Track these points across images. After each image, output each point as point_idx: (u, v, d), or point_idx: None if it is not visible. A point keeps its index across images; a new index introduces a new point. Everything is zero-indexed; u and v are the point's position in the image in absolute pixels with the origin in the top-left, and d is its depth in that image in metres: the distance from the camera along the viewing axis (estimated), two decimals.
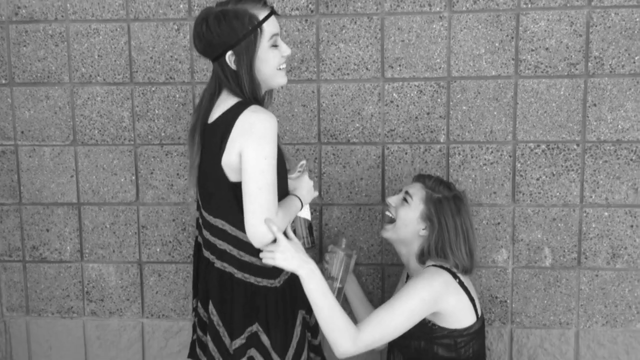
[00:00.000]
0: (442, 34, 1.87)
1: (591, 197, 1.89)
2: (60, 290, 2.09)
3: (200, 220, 1.52)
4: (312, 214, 1.71)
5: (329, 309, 1.46)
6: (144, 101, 1.98)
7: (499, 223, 1.92)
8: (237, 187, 1.41)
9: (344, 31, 1.89)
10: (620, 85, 1.84)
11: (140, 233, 2.04)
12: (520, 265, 1.94)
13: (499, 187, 1.91)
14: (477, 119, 1.89)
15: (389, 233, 1.69)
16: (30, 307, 2.11)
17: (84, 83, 1.99)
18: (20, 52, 1.99)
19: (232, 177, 1.41)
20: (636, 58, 1.83)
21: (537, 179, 1.90)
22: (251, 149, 1.35)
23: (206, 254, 1.49)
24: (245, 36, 1.38)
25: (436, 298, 1.54)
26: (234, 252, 1.44)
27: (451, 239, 1.60)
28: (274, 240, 1.41)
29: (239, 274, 1.45)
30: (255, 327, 1.45)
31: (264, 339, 1.45)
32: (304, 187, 1.56)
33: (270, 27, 1.41)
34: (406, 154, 1.93)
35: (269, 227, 1.36)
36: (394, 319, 1.50)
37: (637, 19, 1.82)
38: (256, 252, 1.43)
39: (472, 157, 1.91)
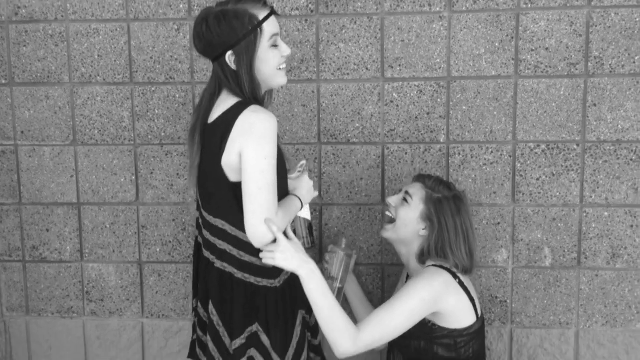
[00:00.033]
0: (442, 34, 1.87)
1: (591, 197, 1.89)
2: (60, 290, 2.09)
3: (200, 220, 1.52)
4: (312, 214, 1.71)
5: (329, 309, 1.46)
6: (144, 101, 1.98)
7: (499, 223, 1.92)
8: (237, 187, 1.41)
9: (344, 31, 1.89)
10: (620, 85, 1.84)
11: (140, 233, 2.04)
12: (520, 265, 1.94)
13: (499, 187, 1.91)
14: (477, 119, 1.89)
15: (389, 233, 1.69)
16: (30, 307, 2.11)
17: (84, 83, 1.99)
18: (20, 52, 1.99)
19: (232, 177, 1.41)
20: (636, 58, 1.83)
21: (537, 179, 1.90)
22: (251, 149, 1.35)
23: (206, 254, 1.49)
24: (245, 36, 1.38)
25: (436, 298, 1.54)
26: (234, 252, 1.44)
27: (451, 239, 1.60)
28: (274, 240, 1.41)
29: (239, 274, 1.45)
30: (255, 327, 1.45)
31: (264, 339, 1.45)
32: (304, 187, 1.56)
33: (270, 27, 1.41)
34: (406, 154, 1.93)
35: (269, 227, 1.36)
36: (394, 318, 1.50)
37: (637, 19, 1.82)
38: (256, 252, 1.43)
39: (472, 157, 1.91)
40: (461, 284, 1.60)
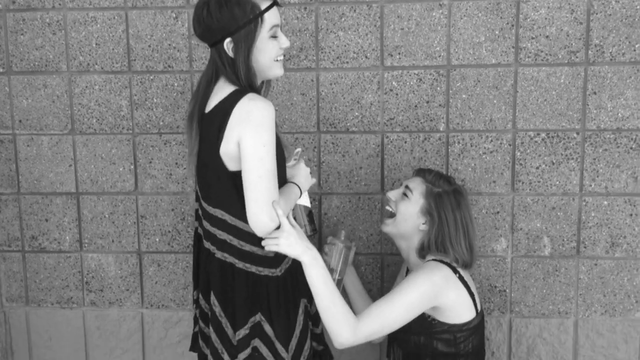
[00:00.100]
0: (442, 22, 1.86)
1: (591, 185, 1.89)
2: (59, 281, 2.09)
3: (200, 211, 1.52)
4: (311, 203, 1.70)
5: (330, 298, 1.46)
6: (142, 90, 1.97)
7: (498, 212, 1.92)
8: (236, 176, 1.40)
9: (343, 19, 1.88)
10: (621, 73, 1.84)
11: (140, 223, 2.04)
12: (519, 255, 1.94)
13: (499, 176, 1.91)
14: (477, 108, 1.89)
15: (389, 227, 1.69)
16: (30, 297, 2.11)
17: (82, 72, 1.98)
18: (18, 41, 1.98)
19: (231, 166, 1.41)
20: (636, 46, 1.83)
21: (537, 168, 1.90)
22: (249, 137, 1.35)
23: (207, 244, 1.49)
24: (245, 24, 1.37)
25: (436, 292, 1.54)
26: (235, 242, 1.44)
27: (451, 233, 1.61)
28: (276, 229, 1.40)
29: (240, 264, 1.44)
30: (258, 316, 1.45)
31: (267, 328, 1.45)
32: (302, 174, 1.55)
33: (271, 17, 1.40)
34: (405, 142, 1.92)
35: (275, 209, 1.36)
36: (394, 311, 1.51)
37: (638, 7, 1.81)
38: (257, 241, 1.43)
39: (471, 146, 1.90)
40: (461, 278, 1.60)
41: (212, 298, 1.47)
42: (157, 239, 2.04)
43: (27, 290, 2.11)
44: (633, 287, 1.92)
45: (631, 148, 1.87)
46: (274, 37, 1.42)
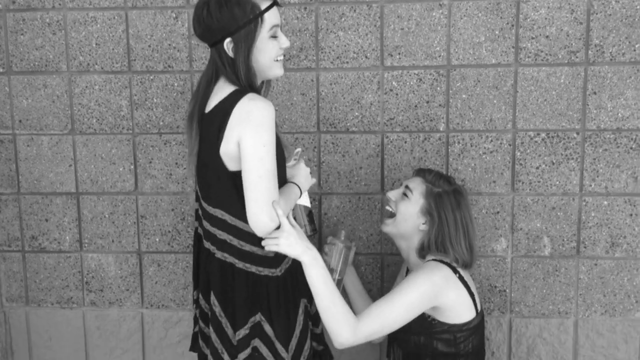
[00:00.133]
0: (442, 22, 1.86)
1: (591, 185, 1.89)
2: (59, 281, 2.09)
3: (200, 211, 1.52)
4: (311, 202, 1.70)
5: (330, 298, 1.46)
6: (142, 90, 1.97)
7: (498, 212, 1.92)
8: (236, 176, 1.40)
9: (343, 19, 1.88)
10: (621, 73, 1.84)
11: (140, 223, 2.04)
12: (519, 255, 1.94)
13: (499, 176, 1.91)
14: (477, 108, 1.89)
15: (389, 227, 1.69)
16: (30, 297, 2.11)
17: (82, 72, 1.98)
18: (18, 41, 1.98)
19: (231, 166, 1.41)
20: (636, 46, 1.83)
21: (537, 168, 1.90)
22: (249, 137, 1.35)
23: (207, 244, 1.49)
24: (245, 24, 1.37)
25: (436, 292, 1.54)
26: (234, 242, 1.44)
27: (451, 233, 1.61)
28: (276, 229, 1.40)
29: (240, 264, 1.44)
30: (258, 316, 1.45)
31: (267, 328, 1.45)
32: (301, 174, 1.55)
33: (271, 17, 1.40)
34: (405, 142, 1.92)
35: (275, 209, 1.36)
36: (394, 311, 1.51)
37: (638, 7, 1.81)
38: (257, 241, 1.43)
39: (471, 146, 1.90)
40: (461, 278, 1.60)
41: (212, 298, 1.46)
42: (157, 239, 2.04)
43: (27, 290, 2.11)
44: (633, 287, 1.92)
45: (631, 148, 1.87)
46: (274, 37, 1.42)
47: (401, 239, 1.69)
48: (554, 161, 1.89)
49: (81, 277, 2.08)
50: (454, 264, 1.61)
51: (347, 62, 1.90)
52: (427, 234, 1.63)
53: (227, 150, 1.39)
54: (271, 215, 1.36)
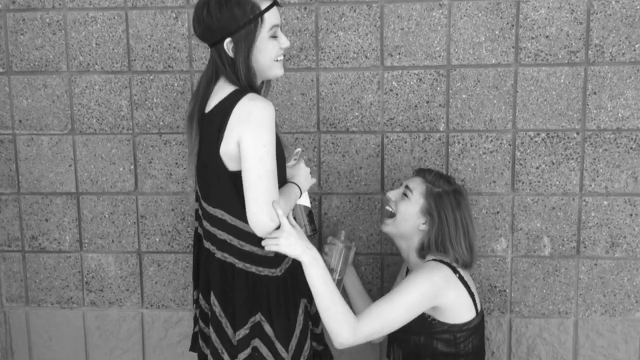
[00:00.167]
0: (442, 22, 1.86)
1: (591, 185, 1.89)
2: (59, 281, 2.09)
3: (200, 211, 1.52)
4: (311, 203, 1.70)
5: (330, 298, 1.46)
6: (142, 90, 1.97)
7: (498, 212, 1.92)
8: (236, 177, 1.40)
9: (343, 19, 1.88)
10: (621, 73, 1.84)
11: (140, 223, 2.04)
12: (519, 255, 1.94)
13: (499, 176, 1.91)
14: (477, 108, 1.89)
15: (389, 227, 1.69)
16: (30, 297, 2.11)
17: (82, 72, 1.98)
18: (18, 41, 1.98)
19: (231, 166, 1.41)
20: (636, 46, 1.83)
21: (537, 168, 1.90)
22: (249, 137, 1.35)
23: (207, 244, 1.49)
24: (245, 24, 1.37)
25: (436, 292, 1.54)
26: (234, 242, 1.44)
27: (451, 233, 1.61)
28: (276, 229, 1.40)
29: (240, 264, 1.44)
30: (258, 316, 1.45)
31: (267, 328, 1.45)
32: (301, 174, 1.55)
33: (271, 17, 1.40)
34: (405, 142, 1.92)
35: (275, 209, 1.36)
36: (394, 311, 1.51)
37: (638, 7, 1.81)
38: (257, 241, 1.43)
39: (471, 146, 1.90)
40: (461, 278, 1.60)
41: (212, 298, 1.47)
42: (157, 239, 2.04)
43: (27, 290, 2.11)
44: (633, 287, 1.92)
45: (631, 148, 1.87)
46: (274, 37, 1.42)
47: (401, 239, 1.69)
48: (554, 161, 1.89)
49: (81, 277, 2.08)
50: (454, 264, 1.61)
51: (347, 62, 1.90)
52: (427, 234, 1.63)
53: (227, 150, 1.39)
54: (271, 215, 1.36)
